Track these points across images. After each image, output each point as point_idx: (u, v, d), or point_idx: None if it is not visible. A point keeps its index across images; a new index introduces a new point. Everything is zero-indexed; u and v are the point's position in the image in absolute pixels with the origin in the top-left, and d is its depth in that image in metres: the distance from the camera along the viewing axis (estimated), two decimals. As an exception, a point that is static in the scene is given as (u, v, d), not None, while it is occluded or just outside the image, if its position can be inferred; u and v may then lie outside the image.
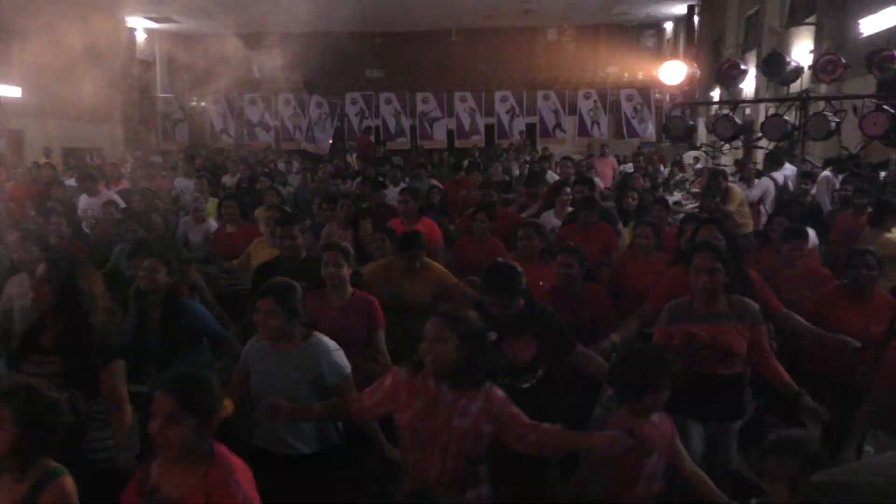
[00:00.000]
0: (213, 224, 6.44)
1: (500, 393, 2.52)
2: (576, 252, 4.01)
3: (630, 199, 6.73)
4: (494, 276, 3.19)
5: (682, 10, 20.39)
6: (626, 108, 18.68)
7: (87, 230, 6.75)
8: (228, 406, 2.25)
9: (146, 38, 22.16)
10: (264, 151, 17.26)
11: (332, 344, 3.05)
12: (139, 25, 21.32)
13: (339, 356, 3.04)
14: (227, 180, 9.91)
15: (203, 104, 20.95)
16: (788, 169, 9.49)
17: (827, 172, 8.77)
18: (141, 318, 3.63)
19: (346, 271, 3.66)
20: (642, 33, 24.98)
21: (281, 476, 2.85)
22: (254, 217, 6.32)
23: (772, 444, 2.27)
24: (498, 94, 19.43)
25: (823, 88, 9.65)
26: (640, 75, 22.90)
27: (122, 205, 7.03)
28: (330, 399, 2.95)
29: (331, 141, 19.25)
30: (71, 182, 9.00)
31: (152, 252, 3.77)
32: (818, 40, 12.66)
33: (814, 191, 8.57)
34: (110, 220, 6.02)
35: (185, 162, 11.81)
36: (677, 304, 3.36)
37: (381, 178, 8.49)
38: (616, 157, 14.33)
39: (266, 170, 11.47)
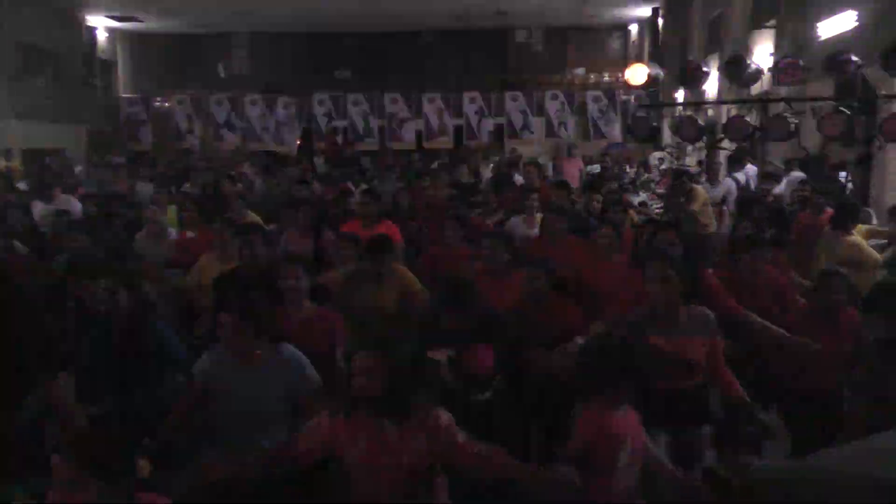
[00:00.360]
0: (173, 234, 6.08)
1: (444, 422, 2.42)
2: (543, 265, 4.01)
3: (595, 203, 6.78)
4: (450, 293, 3.13)
5: (646, 12, 20.62)
6: (593, 109, 18.82)
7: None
8: (145, 468, 2.05)
9: (108, 38, 21.75)
10: (232, 153, 17.04)
11: (302, 356, 2.94)
12: (100, 24, 20.91)
13: (310, 367, 2.93)
14: (189, 189, 9.64)
15: (168, 105, 20.64)
16: (750, 169, 9.66)
17: (799, 173, 8.95)
18: (100, 340, 3.47)
19: (304, 284, 3.56)
20: (608, 35, 25.24)
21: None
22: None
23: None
24: (466, 95, 19.45)
25: (783, 90, 9.82)
26: (606, 77, 23.15)
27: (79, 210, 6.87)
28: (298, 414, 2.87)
29: (298, 142, 19.10)
30: (22, 185, 8.76)
31: (92, 272, 3.60)
32: (779, 43, 12.89)
33: (778, 190, 8.74)
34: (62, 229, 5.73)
35: (147, 167, 11.60)
36: (638, 315, 3.35)
37: (347, 183, 8.42)
38: (583, 157, 14.45)
39: (231, 174, 11.29)
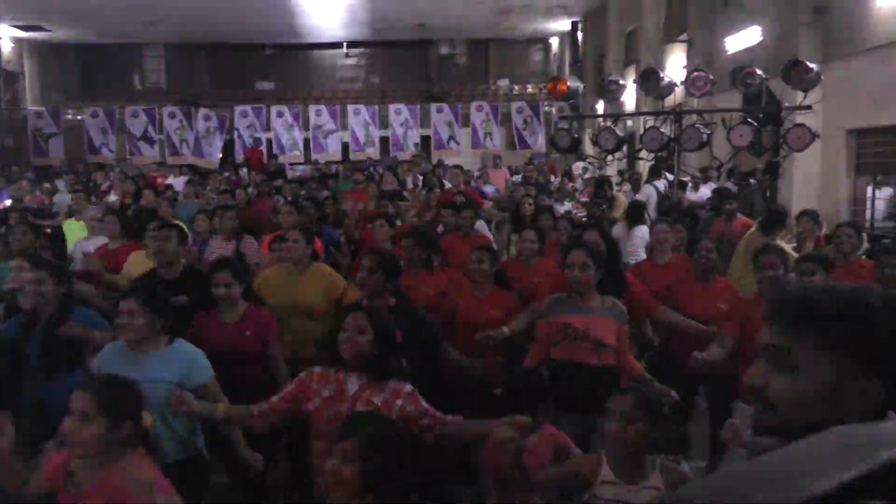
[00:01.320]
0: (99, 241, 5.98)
1: (407, 386, 2.63)
2: (488, 251, 4.30)
3: (527, 205, 7.01)
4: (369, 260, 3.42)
5: (566, 26, 21.23)
6: (517, 120, 19.17)
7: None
8: (147, 419, 2.26)
9: (13, 48, 20.71)
10: (149, 166, 16.49)
11: (194, 350, 3.08)
12: (4, 34, 19.89)
13: (204, 358, 3.06)
14: (111, 198, 9.38)
15: (80, 117, 19.78)
16: (670, 178, 10.08)
17: (728, 185, 9.45)
18: (21, 337, 3.39)
19: (236, 289, 3.62)
20: (530, 48, 25.85)
21: None
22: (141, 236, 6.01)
23: (617, 390, 2.62)
24: (392, 107, 19.49)
25: (696, 102, 10.29)
26: (530, 88, 23.67)
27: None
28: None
29: (220, 156, 18.64)
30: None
31: (36, 262, 3.56)
32: (690, 56, 13.53)
33: (697, 197, 9.17)
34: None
35: (66, 176, 11.12)
36: (556, 297, 3.63)
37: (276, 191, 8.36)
38: (509, 168, 14.72)
39: (151, 185, 10.95)
